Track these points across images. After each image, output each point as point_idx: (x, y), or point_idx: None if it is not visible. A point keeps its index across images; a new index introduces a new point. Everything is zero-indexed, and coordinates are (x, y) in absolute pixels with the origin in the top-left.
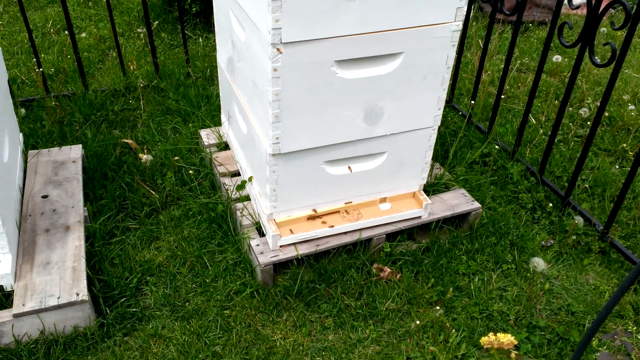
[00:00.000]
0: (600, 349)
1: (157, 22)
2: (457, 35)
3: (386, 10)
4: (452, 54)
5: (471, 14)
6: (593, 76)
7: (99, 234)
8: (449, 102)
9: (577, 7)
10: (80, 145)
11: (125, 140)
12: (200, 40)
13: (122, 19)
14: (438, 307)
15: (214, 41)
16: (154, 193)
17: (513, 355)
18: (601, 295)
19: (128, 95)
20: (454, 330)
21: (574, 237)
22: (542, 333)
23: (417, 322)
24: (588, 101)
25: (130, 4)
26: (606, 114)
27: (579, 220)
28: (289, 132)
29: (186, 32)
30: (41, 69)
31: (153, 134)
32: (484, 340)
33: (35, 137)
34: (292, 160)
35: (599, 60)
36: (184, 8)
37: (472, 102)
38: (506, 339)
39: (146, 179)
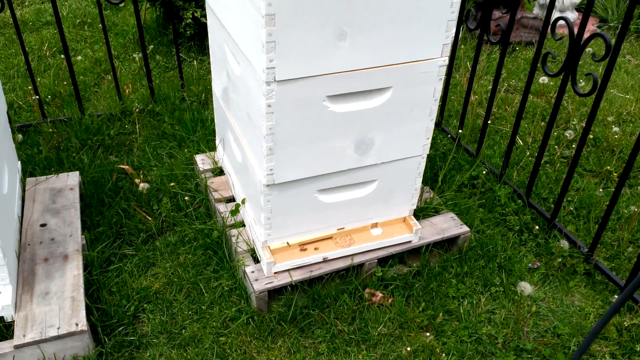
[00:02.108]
0: None
1: (152, 45)
2: (444, 69)
3: (375, 48)
4: (439, 87)
5: (460, 35)
6: (580, 98)
7: (96, 262)
8: (438, 125)
9: (561, 39)
10: (78, 172)
11: (122, 166)
12: (195, 63)
13: (117, 41)
14: (428, 334)
15: (208, 64)
16: (150, 219)
17: None
18: (586, 317)
19: (124, 119)
20: (444, 355)
21: (560, 260)
22: (530, 356)
23: (409, 347)
24: (574, 122)
25: (125, 27)
26: (591, 135)
27: (564, 243)
28: (283, 164)
29: (181, 54)
30: (38, 97)
31: (149, 158)
32: None
33: (33, 164)
34: (286, 190)
35: (581, 91)
36: (178, 31)
37: (460, 130)
38: None
39: (142, 205)
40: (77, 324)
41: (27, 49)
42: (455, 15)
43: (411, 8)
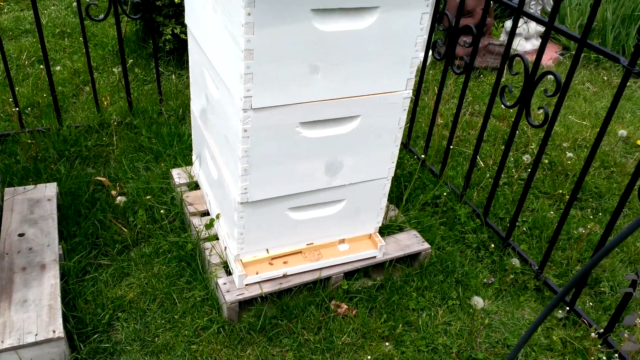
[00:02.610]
0: None
1: (131, 59)
2: (408, 101)
3: (345, 81)
4: (404, 116)
5: (428, 61)
6: (538, 122)
7: (72, 271)
8: (405, 146)
9: (517, 74)
10: (55, 184)
11: (99, 178)
12: (173, 77)
13: (97, 52)
14: (388, 343)
15: (186, 78)
16: (125, 230)
17: None
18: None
19: (102, 131)
20: None
21: (512, 276)
22: None
23: (369, 356)
24: (532, 147)
25: (104, 38)
26: (546, 160)
27: (516, 261)
28: (257, 183)
29: (160, 68)
30: (17, 109)
31: (125, 171)
32: None
33: (11, 174)
34: (258, 208)
35: (535, 122)
36: (158, 46)
37: (424, 154)
38: None
39: (118, 217)
40: (54, 331)
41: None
42: (419, 53)
43: (377, 47)
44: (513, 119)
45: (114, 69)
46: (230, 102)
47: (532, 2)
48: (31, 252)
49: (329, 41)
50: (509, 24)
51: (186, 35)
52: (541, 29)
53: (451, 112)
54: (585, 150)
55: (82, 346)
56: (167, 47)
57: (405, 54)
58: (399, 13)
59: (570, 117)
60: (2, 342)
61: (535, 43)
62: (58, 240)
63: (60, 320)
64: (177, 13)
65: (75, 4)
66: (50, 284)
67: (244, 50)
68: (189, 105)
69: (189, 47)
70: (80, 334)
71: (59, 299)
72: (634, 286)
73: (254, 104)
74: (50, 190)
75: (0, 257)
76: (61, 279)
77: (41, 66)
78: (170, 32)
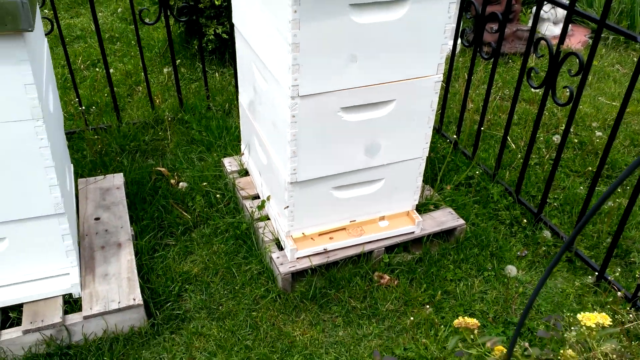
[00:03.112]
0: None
1: (178, 60)
2: (439, 84)
3: (380, 68)
4: (436, 99)
5: (457, 49)
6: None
7: (144, 250)
8: (438, 130)
9: (542, 56)
10: (122, 174)
11: (159, 169)
12: (217, 75)
13: (145, 54)
14: (428, 306)
15: (229, 75)
16: (186, 214)
17: (476, 332)
18: (567, 297)
19: (156, 127)
20: (442, 326)
21: (545, 248)
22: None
23: (412, 318)
24: (562, 127)
25: (151, 41)
26: (575, 140)
27: (547, 234)
28: (304, 164)
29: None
30: (82, 108)
31: (181, 161)
32: (455, 322)
33: (81, 167)
34: (306, 187)
35: (560, 101)
36: (202, 46)
37: (456, 136)
38: (472, 321)
39: (178, 202)
40: (134, 299)
41: (62, 62)
42: (448, 40)
43: (409, 36)
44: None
45: (163, 70)
46: (278, 91)
47: None
48: (107, 233)
49: (365, 32)
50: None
51: (227, 34)
52: (595, 16)
53: (482, 97)
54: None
55: (157, 313)
56: (210, 46)
57: (435, 41)
58: (428, 4)
59: (600, 98)
60: (91, 308)
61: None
62: (129, 223)
63: (138, 290)
64: (218, 14)
65: (120, 10)
66: (126, 259)
67: (291, 44)
68: (234, 100)
69: (237, 44)
70: (155, 303)
71: (135, 272)
72: None
73: (300, 92)
74: (118, 179)
75: (82, 238)
76: (135, 256)
77: (96, 69)
78: (213, 33)
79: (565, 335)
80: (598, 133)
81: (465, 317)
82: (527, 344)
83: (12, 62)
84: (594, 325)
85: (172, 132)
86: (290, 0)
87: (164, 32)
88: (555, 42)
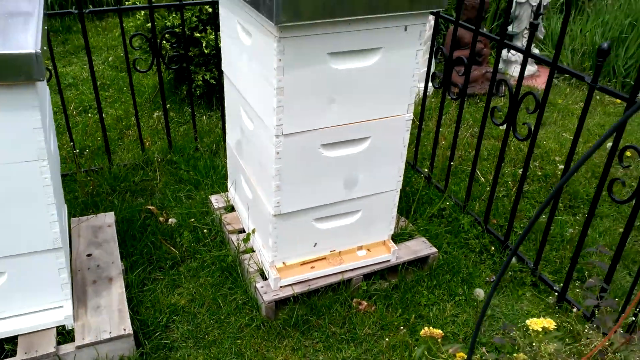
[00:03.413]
0: None
1: (168, 104)
2: (410, 123)
3: (357, 108)
4: (407, 136)
5: (430, 90)
6: (538, 142)
7: (134, 283)
8: (413, 166)
9: (504, 96)
10: (113, 213)
11: (148, 207)
12: (204, 118)
13: (135, 100)
14: (403, 328)
15: (216, 118)
16: (174, 250)
17: (439, 341)
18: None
19: (146, 168)
20: (415, 347)
21: (511, 274)
22: (483, 347)
23: (388, 340)
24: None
25: (141, 88)
26: (539, 173)
27: (513, 261)
28: (287, 198)
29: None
30: (76, 151)
31: (170, 200)
32: (422, 332)
33: (73, 207)
34: (289, 219)
35: (520, 136)
36: (191, 91)
37: (426, 169)
38: (436, 331)
39: (167, 238)
40: (124, 329)
41: (54, 109)
42: (417, 83)
43: (382, 80)
44: (510, 139)
45: (153, 114)
46: (264, 130)
47: (525, 32)
48: (99, 269)
49: (343, 77)
50: (504, 53)
51: (215, 80)
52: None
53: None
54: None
55: (146, 342)
56: (198, 92)
57: (405, 84)
58: (398, 52)
59: (564, 134)
60: (83, 339)
61: (530, 69)
62: (120, 258)
63: (128, 321)
64: (206, 61)
65: (111, 58)
66: (117, 292)
67: (276, 88)
68: (221, 141)
69: (226, 89)
70: (144, 333)
71: (125, 304)
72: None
73: (284, 131)
74: (109, 218)
75: (74, 273)
76: (125, 289)
77: (88, 115)
78: (201, 79)
79: (519, 340)
80: (560, 166)
81: (431, 328)
82: (484, 349)
83: (24, 108)
84: (540, 329)
85: (161, 173)
86: (275, 50)
87: (154, 79)
88: (531, 82)
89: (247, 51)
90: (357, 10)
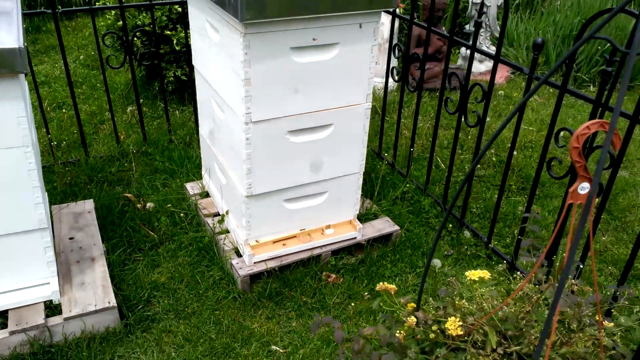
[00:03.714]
0: None
1: (141, 100)
2: (369, 111)
3: (320, 98)
4: (367, 123)
5: (391, 84)
6: (491, 129)
7: (115, 263)
8: (378, 154)
9: (454, 88)
10: (92, 200)
11: (126, 195)
12: (177, 112)
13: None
14: (367, 294)
15: (189, 112)
16: (152, 233)
17: (393, 293)
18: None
19: (122, 159)
20: (380, 313)
21: (466, 247)
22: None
23: (354, 304)
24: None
25: (114, 85)
26: (494, 159)
27: (467, 234)
28: (258, 180)
29: (163, 104)
30: (54, 143)
31: (146, 188)
32: (377, 286)
33: (52, 197)
34: (260, 200)
35: (470, 123)
36: (163, 87)
37: (390, 157)
38: (390, 286)
39: (145, 223)
40: (109, 302)
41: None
42: (372, 75)
43: (341, 72)
44: (468, 129)
45: (127, 109)
46: (234, 118)
47: (482, 30)
48: (81, 250)
49: (305, 69)
50: (463, 49)
51: (186, 76)
52: (492, 52)
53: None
54: (530, 150)
55: (129, 315)
56: (170, 87)
57: (362, 75)
58: (354, 47)
59: (523, 126)
60: (70, 311)
61: (489, 64)
62: (101, 241)
63: (112, 295)
64: (177, 58)
65: (82, 57)
66: (100, 270)
67: (244, 79)
68: (194, 133)
69: (197, 83)
70: (127, 307)
71: (109, 280)
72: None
73: (252, 118)
74: (88, 205)
75: (58, 255)
76: (107, 268)
77: (62, 110)
78: (172, 75)
79: (459, 289)
80: (514, 153)
81: (386, 283)
82: (431, 299)
83: (9, 98)
84: (477, 279)
85: (136, 164)
86: (241, 45)
87: (126, 76)
88: (480, 78)
89: (216, 46)
90: (314, 9)
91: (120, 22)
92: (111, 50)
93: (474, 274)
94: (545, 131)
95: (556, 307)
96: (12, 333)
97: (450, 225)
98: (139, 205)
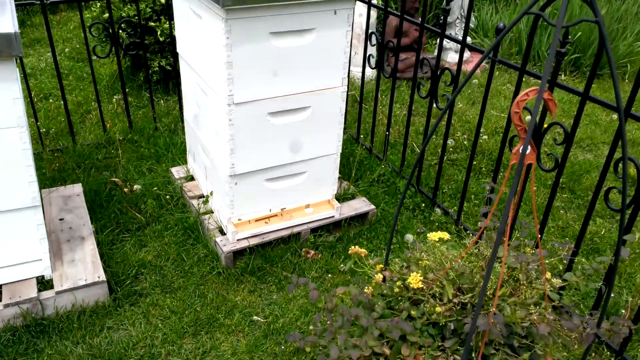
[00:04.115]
0: None
1: (127, 89)
2: (345, 94)
3: (298, 81)
4: (343, 106)
5: (368, 72)
6: (465, 116)
7: (104, 242)
8: (357, 140)
9: (426, 73)
10: (80, 184)
11: (113, 179)
12: (162, 102)
13: (93, 88)
14: (343, 265)
15: (173, 102)
16: (139, 215)
17: (364, 255)
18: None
19: (108, 147)
20: (356, 285)
21: (438, 224)
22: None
23: (331, 277)
24: (458, 134)
25: (99, 76)
26: (466, 143)
27: (438, 211)
28: (240, 160)
29: (148, 94)
30: (43, 130)
31: (133, 173)
32: (350, 250)
33: (41, 182)
34: (243, 179)
35: (441, 107)
36: (149, 76)
37: (362, 139)
38: (362, 250)
39: (132, 206)
40: (98, 277)
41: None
42: (347, 59)
43: (318, 56)
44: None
45: (112, 99)
46: (217, 101)
47: (457, 20)
48: (71, 230)
49: (283, 53)
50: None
51: (170, 67)
52: (459, 39)
53: (392, 113)
54: (501, 135)
55: (118, 289)
56: (155, 77)
57: (338, 60)
58: (330, 32)
59: (492, 111)
60: (62, 285)
61: (464, 55)
62: (90, 221)
63: (102, 270)
64: (162, 49)
65: (67, 49)
66: (90, 248)
67: (226, 62)
68: (179, 121)
69: (181, 70)
70: (115, 282)
71: (98, 257)
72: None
73: (235, 100)
74: (77, 188)
75: (49, 235)
76: (96, 247)
77: (50, 101)
78: (157, 65)
79: (422, 248)
80: (484, 137)
81: (357, 247)
82: (397, 260)
83: (5, 80)
84: (437, 239)
85: (123, 151)
86: (223, 30)
87: (111, 67)
88: (454, 67)
89: (199, 32)
90: None
91: (107, 14)
92: (97, 40)
93: (434, 235)
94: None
95: (496, 253)
96: (6, 306)
97: (423, 205)
98: (125, 190)
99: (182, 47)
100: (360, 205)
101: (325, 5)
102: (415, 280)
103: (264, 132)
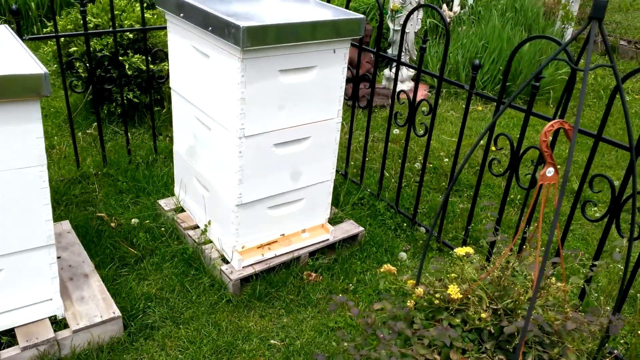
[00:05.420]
0: None
1: (88, 123)
2: (339, 125)
3: (301, 113)
4: (338, 136)
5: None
6: (420, 142)
7: (107, 278)
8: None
9: (403, 103)
10: (68, 221)
11: (99, 215)
12: (129, 134)
13: (52, 121)
14: (351, 285)
15: (138, 134)
16: (132, 250)
17: (395, 272)
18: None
19: (83, 182)
20: (359, 303)
21: (421, 242)
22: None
23: (335, 297)
24: (420, 158)
25: (59, 110)
26: (430, 165)
27: (422, 229)
28: (247, 190)
29: (115, 128)
30: None
31: (116, 208)
32: (382, 269)
33: None
34: (248, 208)
35: (420, 132)
36: (110, 110)
37: (341, 168)
38: (391, 268)
39: (124, 240)
40: (113, 313)
41: None
42: (343, 94)
43: (318, 91)
44: (403, 142)
45: (78, 134)
46: (224, 134)
47: (403, 54)
48: (72, 268)
49: (289, 89)
50: (387, 71)
51: (137, 99)
52: (412, 73)
53: (361, 140)
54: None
55: (131, 324)
56: (119, 110)
57: (335, 93)
58: (329, 69)
59: (443, 136)
60: (78, 324)
61: (409, 84)
62: (89, 258)
63: (115, 306)
64: (128, 82)
65: None
66: (96, 284)
67: (240, 99)
68: (152, 153)
69: (174, 103)
70: (126, 317)
71: (107, 293)
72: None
73: (245, 133)
74: (65, 225)
75: None
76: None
77: None
78: (125, 98)
79: (447, 266)
80: (446, 160)
81: (388, 265)
82: (427, 275)
83: (31, 120)
84: (464, 254)
85: (99, 185)
86: (239, 69)
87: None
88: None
89: (204, 69)
90: (299, 38)
91: (72, 48)
92: (72, 76)
93: (461, 250)
94: (467, 140)
95: (544, 268)
96: (24, 349)
97: (405, 225)
98: (112, 224)
99: (177, 82)
100: (349, 227)
101: (326, 45)
102: (454, 291)
103: (269, 162)
